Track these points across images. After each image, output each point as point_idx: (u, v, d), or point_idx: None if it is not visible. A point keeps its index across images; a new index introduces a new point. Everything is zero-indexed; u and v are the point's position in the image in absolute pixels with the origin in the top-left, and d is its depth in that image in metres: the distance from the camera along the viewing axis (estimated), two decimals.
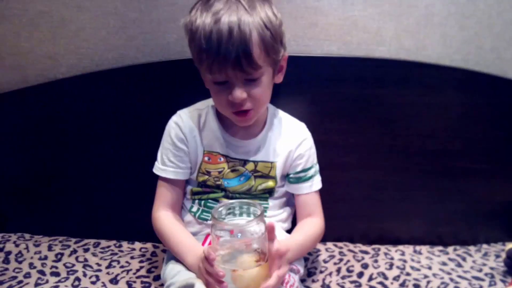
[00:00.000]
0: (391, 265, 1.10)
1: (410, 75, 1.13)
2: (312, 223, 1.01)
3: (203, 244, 0.95)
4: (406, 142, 1.16)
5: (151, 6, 1.14)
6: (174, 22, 1.14)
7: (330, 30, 1.14)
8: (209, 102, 1.02)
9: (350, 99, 1.14)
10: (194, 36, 0.85)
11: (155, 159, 1.01)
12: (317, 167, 1.03)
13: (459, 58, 1.16)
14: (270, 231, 0.80)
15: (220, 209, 0.83)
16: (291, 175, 1.01)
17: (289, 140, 1.00)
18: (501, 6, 1.12)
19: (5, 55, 1.19)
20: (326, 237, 1.15)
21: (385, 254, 1.15)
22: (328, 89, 1.13)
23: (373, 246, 1.19)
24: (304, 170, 1.01)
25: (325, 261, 1.12)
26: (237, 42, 0.81)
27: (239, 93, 0.86)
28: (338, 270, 1.08)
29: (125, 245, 1.19)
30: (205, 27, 0.83)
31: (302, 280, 1.04)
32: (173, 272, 0.94)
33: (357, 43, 1.15)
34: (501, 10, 1.13)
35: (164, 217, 0.99)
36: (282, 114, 1.04)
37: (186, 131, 0.98)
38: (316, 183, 1.03)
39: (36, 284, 1.02)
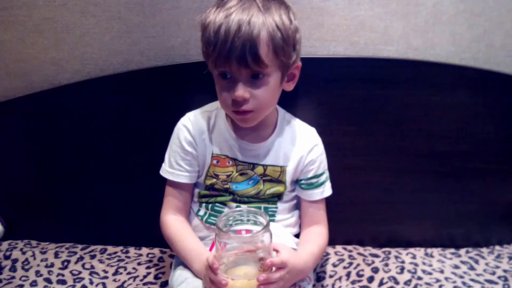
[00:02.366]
0: (402, 269, 1.08)
1: (419, 75, 1.11)
2: (321, 233, 0.99)
3: (210, 249, 0.94)
4: (416, 143, 1.14)
5: (155, 10, 1.13)
6: (178, 25, 1.13)
7: (337, 30, 1.13)
8: (218, 104, 1.00)
9: (358, 100, 1.12)
10: (205, 30, 0.86)
11: (161, 163, 1.00)
12: (328, 173, 1.02)
13: (469, 57, 1.14)
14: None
15: (224, 217, 0.81)
16: (302, 181, 1.00)
17: (300, 145, 0.99)
18: (510, 3, 1.10)
19: (9, 61, 1.19)
20: (335, 240, 1.14)
21: (396, 257, 1.13)
22: (336, 91, 1.12)
23: (384, 249, 1.17)
24: (316, 176, 0.99)
25: (334, 265, 1.10)
26: (244, 38, 0.81)
27: (242, 92, 0.85)
28: (348, 275, 1.07)
29: (132, 250, 1.18)
30: (216, 21, 0.83)
31: None
32: (180, 278, 0.93)
33: (364, 43, 1.14)
34: (511, 7, 1.11)
35: (172, 221, 0.98)
36: (292, 119, 1.02)
37: (195, 133, 0.97)
38: (327, 189, 1.01)
39: None
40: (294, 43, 0.88)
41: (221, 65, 0.84)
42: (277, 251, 0.83)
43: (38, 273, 1.08)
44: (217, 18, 0.83)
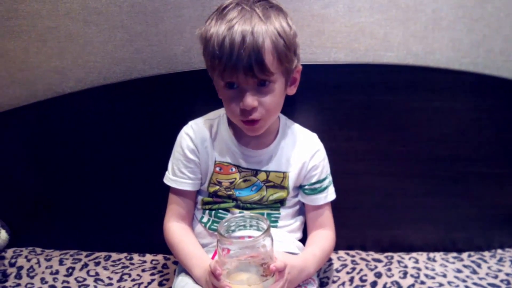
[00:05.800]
0: (405, 274, 1.08)
1: (419, 80, 1.12)
2: (326, 236, 1.00)
3: (213, 257, 0.94)
4: (417, 148, 1.14)
5: (157, 18, 1.14)
6: (181, 34, 1.14)
7: (337, 37, 1.14)
8: (221, 112, 1.01)
9: (358, 106, 1.13)
10: (207, 43, 0.86)
11: (164, 170, 1.01)
12: (330, 178, 1.03)
13: (468, 62, 1.15)
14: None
15: (225, 223, 0.82)
16: (306, 187, 1.01)
17: (302, 150, 1.00)
18: (509, 8, 1.11)
19: (14, 70, 1.20)
20: (338, 246, 1.13)
21: (399, 262, 1.13)
22: (336, 97, 1.12)
23: (386, 254, 1.17)
24: (319, 181, 1.00)
25: (337, 271, 1.10)
26: (250, 48, 0.82)
27: (250, 100, 0.86)
28: (351, 280, 1.07)
29: (136, 257, 1.19)
30: (219, 34, 0.83)
31: None
32: (181, 284, 0.94)
33: (364, 50, 1.14)
34: (510, 12, 1.11)
35: (174, 228, 0.99)
36: (293, 125, 1.03)
37: (197, 142, 0.98)
38: (331, 193, 1.02)
39: None
40: (294, 48, 0.90)
41: (228, 76, 0.85)
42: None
43: (43, 280, 1.08)
44: (220, 31, 0.83)
